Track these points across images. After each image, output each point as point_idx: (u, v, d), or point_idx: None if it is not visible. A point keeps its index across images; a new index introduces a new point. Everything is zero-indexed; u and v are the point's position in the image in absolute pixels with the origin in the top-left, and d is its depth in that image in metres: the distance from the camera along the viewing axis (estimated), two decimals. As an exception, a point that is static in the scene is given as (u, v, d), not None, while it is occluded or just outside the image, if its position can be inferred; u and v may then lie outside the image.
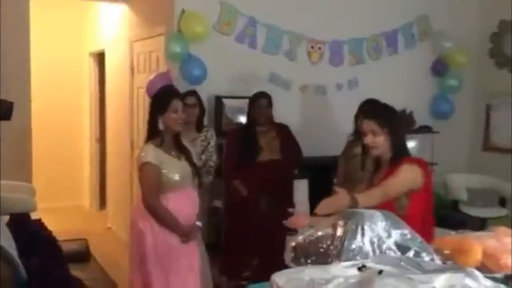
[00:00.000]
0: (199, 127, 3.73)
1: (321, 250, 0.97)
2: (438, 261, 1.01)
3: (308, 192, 4.13)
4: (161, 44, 4.22)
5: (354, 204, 1.88)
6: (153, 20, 4.56)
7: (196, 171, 2.84)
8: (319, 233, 1.01)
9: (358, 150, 3.31)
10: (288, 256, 1.02)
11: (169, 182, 2.67)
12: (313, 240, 1.01)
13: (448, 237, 1.13)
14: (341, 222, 0.99)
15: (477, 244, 1.08)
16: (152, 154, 2.65)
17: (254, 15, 4.26)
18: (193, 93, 3.72)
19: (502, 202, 4.61)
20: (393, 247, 0.96)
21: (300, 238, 1.03)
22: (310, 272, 0.85)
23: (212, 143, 3.70)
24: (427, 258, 0.98)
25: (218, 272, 3.70)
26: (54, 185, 6.39)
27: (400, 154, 2.21)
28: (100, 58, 6.24)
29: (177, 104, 2.72)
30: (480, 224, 4.56)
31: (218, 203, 3.94)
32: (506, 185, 4.51)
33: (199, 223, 2.85)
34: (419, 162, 2.19)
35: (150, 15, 4.68)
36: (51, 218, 5.20)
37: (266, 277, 3.29)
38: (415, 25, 4.95)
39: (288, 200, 3.68)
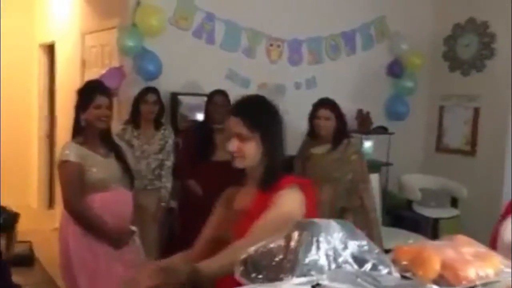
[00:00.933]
0: (158, 125, 3.62)
1: (273, 263, 0.90)
2: (396, 273, 0.95)
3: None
4: (114, 37, 4.05)
5: (195, 276, 1.26)
6: (106, 12, 4.38)
7: (127, 170, 2.66)
8: (271, 245, 0.93)
9: (315, 150, 3.31)
10: (237, 270, 0.94)
11: (94, 182, 2.49)
12: (265, 252, 0.93)
13: (406, 247, 1.09)
14: (295, 233, 0.92)
15: (436, 254, 1.04)
16: (73, 151, 2.48)
17: (213, 10, 4.16)
18: (154, 90, 3.62)
19: (454, 203, 4.70)
20: (350, 260, 0.89)
21: (251, 249, 0.95)
22: (260, 291, 0.78)
23: (170, 141, 3.61)
24: (384, 271, 0.92)
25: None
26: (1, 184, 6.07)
27: (275, 172, 1.60)
28: (50, 50, 5.97)
29: (101, 100, 2.55)
30: (433, 224, 4.65)
31: (173, 204, 3.82)
32: (457, 186, 4.61)
33: (133, 228, 2.65)
34: (301, 184, 1.58)
35: (103, 6, 4.50)
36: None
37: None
38: (373, 26, 4.98)
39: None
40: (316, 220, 0.95)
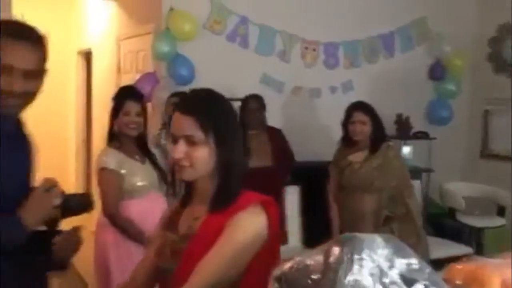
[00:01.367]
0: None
1: (310, 282, 0.80)
2: (450, 296, 0.84)
3: (299, 199, 3.97)
4: (148, 43, 4.05)
5: None
6: (141, 18, 4.39)
7: (163, 176, 2.67)
8: (308, 261, 0.83)
9: (353, 158, 3.16)
10: (272, 287, 0.85)
11: (132, 188, 2.50)
12: (301, 269, 0.84)
13: (460, 265, 0.97)
14: (335, 249, 0.82)
15: (495, 274, 0.92)
16: (112, 158, 2.50)
17: (246, 14, 4.10)
18: (180, 93, 3.58)
19: (501, 212, 4.46)
20: (398, 281, 0.79)
21: (286, 266, 0.86)
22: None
23: None
24: (437, 294, 0.81)
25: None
26: (38, 187, 6.19)
27: (232, 188, 1.29)
28: (88, 57, 6.05)
29: (130, 106, 2.54)
30: (477, 234, 4.42)
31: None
32: (504, 194, 4.37)
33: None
34: (265, 202, 1.28)
35: (138, 13, 4.51)
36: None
37: None
38: (413, 27, 4.80)
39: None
40: (358, 234, 0.85)
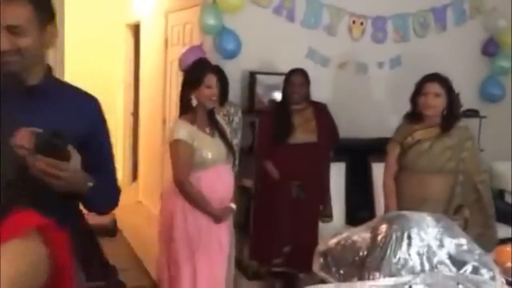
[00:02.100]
0: (221, 101, 3.55)
1: (357, 259, 0.81)
2: (501, 278, 0.82)
3: (345, 175, 3.95)
4: (196, 15, 4.06)
5: None
6: (188, -9, 4.39)
7: (231, 149, 2.73)
8: (355, 238, 0.84)
9: (421, 135, 2.80)
10: (316, 262, 0.86)
11: (201, 161, 2.56)
12: (348, 245, 0.84)
13: (509, 247, 0.95)
14: (383, 227, 0.82)
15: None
16: (185, 130, 2.55)
17: (293, -13, 4.04)
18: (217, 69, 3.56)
19: (553, 194, 4.29)
20: (446, 261, 0.78)
21: (332, 241, 0.87)
22: (342, 291, 0.69)
23: (237, 119, 3.48)
24: (487, 276, 0.80)
25: (248, 255, 3.59)
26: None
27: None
28: (136, 29, 6.15)
29: (211, 78, 2.60)
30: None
31: (247, 183, 3.79)
32: (558, 176, 4.19)
33: (233, 205, 2.74)
34: (43, 227, 0.90)
35: (185, -15, 4.52)
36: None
37: (297, 266, 3.13)
38: (467, 0, 4.60)
39: (323, 185, 3.50)
40: (407, 212, 0.84)
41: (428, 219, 0.82)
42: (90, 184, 1.46)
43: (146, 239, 4.52)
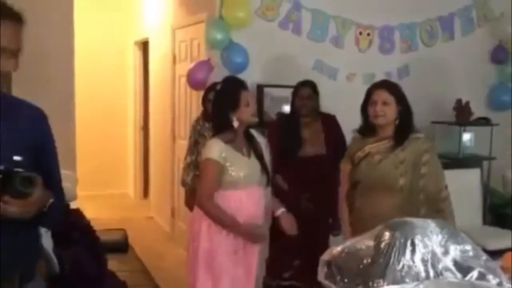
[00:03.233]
0: None
1: (361, 267, 0.80)
2: (507, 284, 0.81)
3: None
4: (202, 31, 4.10)
5: None
6: (195, 7, 4.45)
7: (265, 168, 2.56)
8: (359, 246, 0.83)
9: (371, 148, 2.53)
10: (321, 271, 0.85)
11: (232, 180, 2.45)
12: (352, 254, 0.83)
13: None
14: (386, 234, 0.81)
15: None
16: (217, 150, 2.42)
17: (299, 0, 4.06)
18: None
19: None
20: (452, 268, 0.77)
21: (336, 250, 0.86)
22: (345, 299, 0.69)
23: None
24: (493, 282, 0.79)
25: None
26: (99, 173, 6.47)
27: None
28: (144, 46, 6.23)
29: (247, 96, 2.49)
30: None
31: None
32: None
33: (259, 224, 2.52)
34: None
35: (192, 2, 4.58)
36: (95, 206, 5.27)
37: (307, 280, 3.03)
38: (474, 8, 4.59)
39: (332, 198, 3.47)
40: (410, 219, 0.83)
41: (432, 225, 0.81)
42: (51, 200, 1.48)
43: (158, 255, 4.53)
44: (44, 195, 1.43)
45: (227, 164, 2.42)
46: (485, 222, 4.17)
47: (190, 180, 3.48)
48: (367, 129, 2.54)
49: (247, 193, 2.47)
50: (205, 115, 3.50)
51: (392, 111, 2.45)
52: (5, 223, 1.36)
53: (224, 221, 2.43)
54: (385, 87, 2.49)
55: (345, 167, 2.68)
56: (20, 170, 1.37)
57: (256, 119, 2.54)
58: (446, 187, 2.52)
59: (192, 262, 2.51)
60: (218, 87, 2.61)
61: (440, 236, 0.81)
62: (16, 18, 1.41)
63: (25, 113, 1.55)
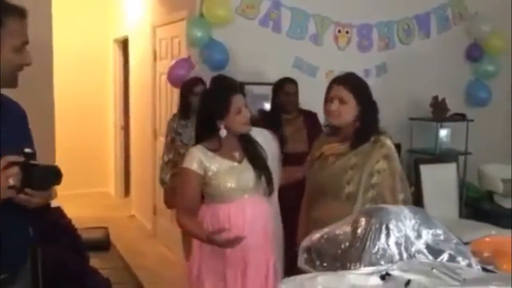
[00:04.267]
0: None
1: (339, 251, 0.84)
2: (476, 266, 0.86)
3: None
4: (183, 29, 4.11)
5: None
6: (175, 5, 4.45)
7: (265, 175, 2.23)
8: (337, 231, 0.87)
9: (326, 149, 2.24)
10: (300, 257, 0.89)
11: (220, 193, 2.15)
12: (330, 239, 0.87)
13: (488, 238, 0.98)
14: (362, 219, 0.85)
15: (524, 246, 0.93)
16: (198, 159, 2.13)
17: (279, -2, 4.10)
18: (202, 80, 3.45)
19: (541, 195, 4.35)
20: (424, 250, 0.81)
21: (315, 236, 0.90)
22: (324, 280, 0.72)
23: None
24: (463, 263, 0.83)
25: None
26: (80, 172, 6.40)
27: None
28: (124, 44, 6.19)
29: (238, 101, 2.14)
30: (516, 218, 4.33)
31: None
32: (545, 177, 4.25)
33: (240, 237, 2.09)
34: None
35: (172, -1, 4.58)
36: (77, 205, 5.23)
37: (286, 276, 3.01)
38: (450, 7, 4.69)
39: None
40: (385, 206, 0.88)
41: (405, 211, 0.86)
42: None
43: (140, 252, 4.53)
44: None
45: (209, 174, 2.13)
46: (461, 215, 4.28)
47: (168, 179, 3.47)
48: (331, 127, 2.25)
49: (236, 205, 2.16)
50: (184, 112, 3.44)
51: (350, 111, 2.13)
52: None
53: (197, 234, 2.16)
54: (344, 83, 2.15)
55: (307, 166, 2.38)
56: (35, 162, 1.38)
57: (249, 128, 2.21)
58: (404, 201, 2.10)
59: (188, 277, 2.28)
60: (208, 86, 2.29)
61: (413, 221, 0.85)
62: (25, 14, 1.52)
63: (15, 107, 1.59)
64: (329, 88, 2.19)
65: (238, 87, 2.24)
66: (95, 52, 6.62)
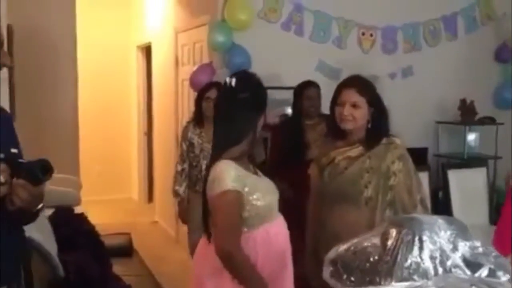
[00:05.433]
0: None
1: (368, 265, 0.78)
2: (519, 281, 0.79)
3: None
4: (205, 34, 4.10)
5: None
6: (197, 10, 4.45)
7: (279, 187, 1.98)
8: (366, 243, 0.81)
9: (338, 153, 2.17)
10: (326, 270, 0.83)
11: (255, 214, 1.79)
12: (358, 252, 0.82)
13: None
14: (393, 231, 0.79)
15: None
16: (233, 174, 1.76)
17: (301, 1, 4.05)
18: (217, 84, 3.24)
19: None
20: (461, 264, 0.75)
21: (342, 248, 0.84)
22: (352, 296, 0.67)
23: None
24: (504, 278, 0.77)
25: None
26: (104, 178, 6.47)
27: None
28: (147, 51, 6.23)
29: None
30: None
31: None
32: None
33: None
34: None
35: (194, 5, 4.58)
36: (100, 210, 5.27)
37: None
38: (477, 7, 4.57)
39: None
40: (418, 215, 0.82)
41: (439, 221, 0.80)
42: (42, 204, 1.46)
43: (163, 259, 4.52)
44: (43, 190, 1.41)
45: (246, 190, 1.77)
46: (491, 221, 4.14)
47: (183, 191, 3.35)
48: (336, 131, 2.19)
49: (274, 229, 1.85)
50: (197, 119, 3.37)
51: (363, 115, 2.11)
52: None
53: (247, 277, 1.75)
54: (355, 87, 2.13)
55: (312, 173, 2.29)
56: (23, 160, 1.37)
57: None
58: (422, 201, 2.13)
59: None
60: (233, 83, 1.91)
61: (448, 232, 0.79)
62: None
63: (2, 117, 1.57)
64: (339, 92, 2.16)
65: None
66: (119, 59, 6.69)
